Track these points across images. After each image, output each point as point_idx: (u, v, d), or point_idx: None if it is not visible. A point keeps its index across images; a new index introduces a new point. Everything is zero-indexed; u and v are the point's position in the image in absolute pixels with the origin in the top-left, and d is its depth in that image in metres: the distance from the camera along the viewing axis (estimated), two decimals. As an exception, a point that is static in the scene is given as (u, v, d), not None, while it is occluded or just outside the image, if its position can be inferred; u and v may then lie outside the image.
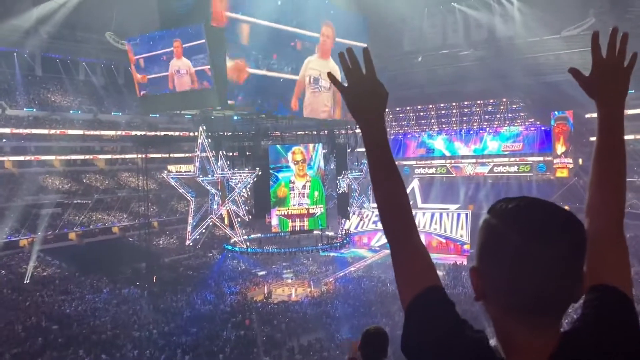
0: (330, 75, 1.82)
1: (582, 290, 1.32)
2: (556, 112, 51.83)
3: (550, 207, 1.30)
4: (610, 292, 1.42)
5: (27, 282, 37.32)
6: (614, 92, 1.75)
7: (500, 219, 1.31)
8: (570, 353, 1.29)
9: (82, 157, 50.32)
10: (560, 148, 52.49)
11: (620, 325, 1.36)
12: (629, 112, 44.52)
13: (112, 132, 51.29)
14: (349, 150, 42.29)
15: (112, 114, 52.15)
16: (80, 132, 48.54)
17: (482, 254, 1.35)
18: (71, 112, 49.39)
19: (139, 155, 42.54)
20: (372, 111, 1.66)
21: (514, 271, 1.26)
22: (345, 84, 1.69)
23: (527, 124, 55.46)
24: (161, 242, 48.29)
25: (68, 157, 48.61)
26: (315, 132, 41.32)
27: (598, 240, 1.50)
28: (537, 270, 1.24)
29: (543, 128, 53.91)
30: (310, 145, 39.95)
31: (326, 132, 40.89)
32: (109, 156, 52.45)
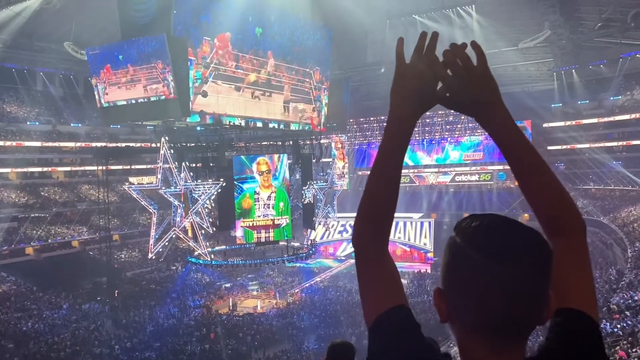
0: (400, 40, 1.54)
1: (549, 312, 1.28)
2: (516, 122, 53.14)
3: (515, 226, 1.25)
4: (575, 317, 1.38)
5: (-19, 299, 35.98)
6: (490, 97, 1.52)
7: (464, 238, 1.27)
8: None
9: (39, 169, 48.97)
10: (519, 157, 53.80)
11: (586, 351, 1.34)
12: (583, 121, 46.22)
13: (71, 144, 50.12)
14: (314, 161, 42.41)
15: (72, 125, 50.99)
16: (38, 143, 47.27)
17: (447, 274, 1.31)
18: (28, 123, 48.07)
19: (100, 167, 41.67)
20: (416, 99, 1.50)
21: (478, 292, 1.22)
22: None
23: (486, 133, 56.61)
24: (123, 256, 47.28)
25: (25, 170, 47.26)
26: (280, 143, 41.28)
27: (560, 260, 1.40)
28: (501, 291, 1.20)
29: (503, 137, 55.18)
30: (275, 156, 39.88)
31: (291, 142, 40.91)
32: (68, 168, 51.23)
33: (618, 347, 18.38)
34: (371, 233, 1.49)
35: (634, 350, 17.52)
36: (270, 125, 38.39)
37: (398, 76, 1.52)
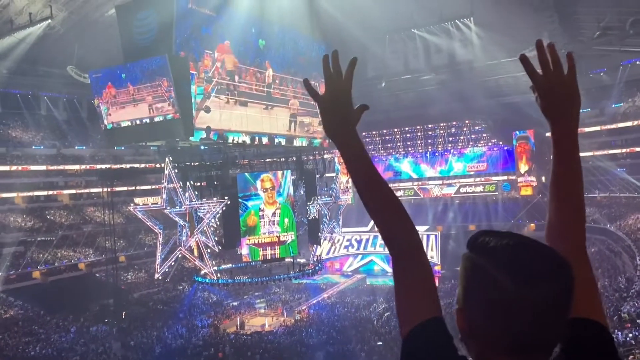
0: (306, 82, 1.76)
1: (569, 329, 1.29)
2: (517, 132, 53.23)
3: (539, 248, 1.26)
4: (588, 325, 1.41)
5: (-11, 325, 35.92)
6: (562, 109, 1.65)
7: (487, 259, 1.26)
8: None
9: (45, 193, 49.17)
10: (523, 167, 53.76)
11: (601, 357, 1.37)
12: (586, 129, 46.15)
13: (76, 167, 50.39)
14: (317, 176, 42.43)
15: (76, 148, 51.32)
16: (43, 167, 47.55)
17: (469, 295, 1.30)
18: (33, 147, 48.42)
19: (105, 189, 41.82)
20: (346, 123, 1.62)
21: (505, 315, 1.21)
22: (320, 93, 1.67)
23: (490, 144, 56.74)
24: (129, 277, 47.24)
25: (31, 194, 47.45)
26: (283, 159, 41.37)
27: None
28: (529, 315, 1.20)
29: (506, 148, 55.24)
30: (279, 172, 39.93)
31: (294, 158, 40.98)
32: (73, 191, 51.41)
33: (632, 356, 18.19)
34: (392, 236, 1.53)
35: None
36: (277, 141, 38.21)
37: (320, 113, 1.66)
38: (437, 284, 1.52)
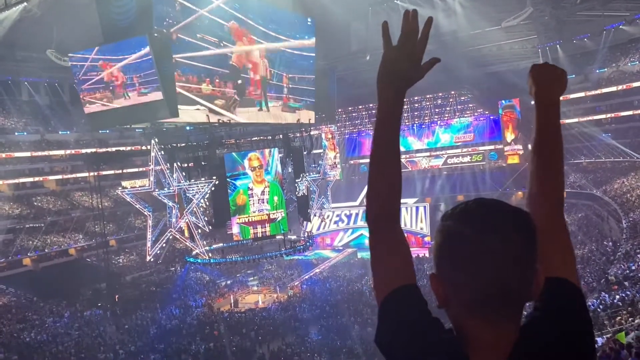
0: (384, 25, 1.68)
1: (537, 287, 1.37)
2: (503, 101, 53.32)
3: (500, 204, 1.37)
4: (561, 284, 1.48)
5: (-18, 313, 35.85)
6: (551, 94, 1.75)
7: (454, 221, 1.36)
8: (529, 344, 1.34)
9: (31, 179, 48.68)
10: (509, 136, 54.02)
11: (571, 314, 1.43)
12: (570, 96, 46.33)
13: (61, 152, 49.86)
14: (305, 153, 42.37)
15: (60, 133, 50.68)
16: (27, 154, 46.98)
17: (440, 257, 1.38)
18: (16, 134, 47.77)
19: (91, 174, 41.54)
20: (404, 79, 1.64)
21: (474, 268, 1.30)
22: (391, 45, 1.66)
23: (476, 114, 56.85)
24: (121, 260, 47.20)
25: (16, 181, 46.98)
26: (270, 137, 41.22)
27: (542, 230, 1.47)
28: (496, 264, 1.28)
29: (492, 117, 55.38)
30: (266, 151, 39.83)
31: (281, 136, 40.84)
32: (59, 176, 50.94)
33: (619, 317, 18.58)
34: (380, 208, 1.58)
35: (635, 320, 17.71)
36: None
37: (383, 61, 1.66)
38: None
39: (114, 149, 49.75)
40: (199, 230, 37.00)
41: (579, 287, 1.51)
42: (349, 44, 50.14)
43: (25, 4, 37.35)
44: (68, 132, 51.04)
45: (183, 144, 37.65)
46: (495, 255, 1.28)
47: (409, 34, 1.64)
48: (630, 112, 45.39)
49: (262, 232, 39.45)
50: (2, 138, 46.33)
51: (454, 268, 1.34)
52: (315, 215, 45.55)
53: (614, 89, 45.74)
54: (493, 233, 1.29)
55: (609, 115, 47.32)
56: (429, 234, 47.72)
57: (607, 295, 22.19)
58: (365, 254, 47.77)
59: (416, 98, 57.52)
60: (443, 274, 1.37)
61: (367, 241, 1.69)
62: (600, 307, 20.88)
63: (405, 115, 58.62)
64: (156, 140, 36.23)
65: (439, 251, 1.38)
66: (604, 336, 16.94)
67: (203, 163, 37.26)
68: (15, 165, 46.33)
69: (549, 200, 1.64)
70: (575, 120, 46.74)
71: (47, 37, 41.72)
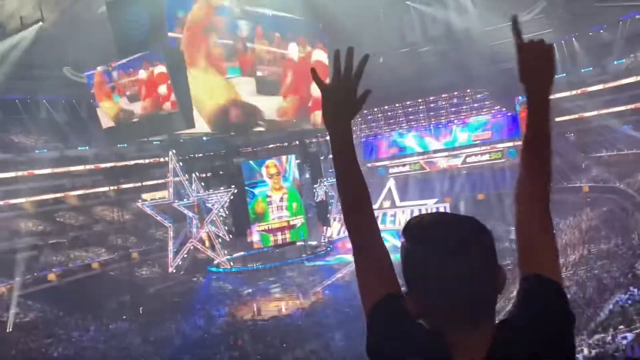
0: (313, 71, 1.83)
1: (503, 281, 1.43)
2: (520, 97, 52.70)
3: (449, 218, 1.44)
4: (538, 281, 1.51)
5: (10, 330, 36.30)
6: (539, 77, 1.75)
7: (411, 241, 1.44)
8: (506, 342, 1.39)
9: (53, 196, 49.30)
10: (528, 132, 53.39)
11: (549, 312, 1.46)
12: (589, 89, 45.69)
13: (81, 167, 50.45)
14: (322, 158, 42.36)
15: (79, 148, 51.30)
16: (48, 170, 47.62)
17: (406, 278, 1.46)
18: (36, 151, 48.45)
19: (111, 187, 41.94)
20: (345, 116, 1.74)
21: (436, 291, 1.37)
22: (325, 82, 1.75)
23: (493, 111, 56.31)
24: (144, 273, 47.50)
25: (39, 198, 47.61)
26: (286, 144, 41.31)
27: (527, 226, 1.60)
28: (455, 283, 1.34)
29: (509, 114, 54.77)
30: (283, 157, 39.92)
31: (297, 142, 40.88)
32: (80, 192, 51.50)
33: (649, 312, 18.18)
34: (354, 222, 1.71)
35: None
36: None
37: (323, 102, 1.77)
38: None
39: (132, 163, 50.20)
40: (220, 240, 37.15)
41: (559, 284, 1.53)
42: (362, 47, 49.98)
43: (41, 23, 37.99)
44: (87, 148, 51.64)
45: (200, 155, 37.95)
46: (454, 274, 1.34)
47: (346, 71, 1.75)
48: (650, 103, 44.55)
49: (282, 239, 39.50)
50: (23, 156, 47.02)
51: (418, 290, 1.42)
52: (334, 220, 45.46)
53: (633, 79, 44.97)
54: (447, 253, 1.34)
55: (629, 107, 46.47)
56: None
57: (635, 290, 21.73)
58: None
59: (431, 98, 57.16)
60: (413, 293, 1.44)
61: (387, 244, 1.76)
62: (629, 302, 20.45)
63: (421, 116, 58.35)
64: (174, 151, 36.54)
65: (404, 272, 1.47)
66: (634, 332, 16.59)
67: (221, 172, 37.52)
68: (37, 182, 46.96)
69: (536, 195, 1.66)
70: (595, 113, 46.01)
71: (63, 55, 42.35)
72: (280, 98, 36.59)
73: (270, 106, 36.01)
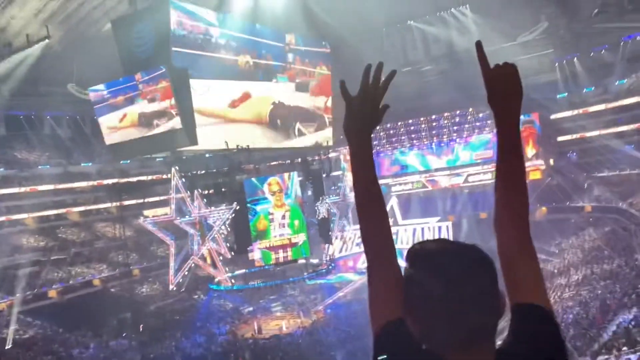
0: (342, 83, 1.88)
1: (503, 304, 1.49)
2: (522, 116, 52.80)
3: (451, 248, 1.48)
4: (530, 310, 1.54)
5: (10, 347, 36.07)
6: (504, 101, 1.81)
7: (415, 268, 1.49)
8: None
9: (55, 211, 49.32)
10: (530, 151, 53.37)
11: (542, 340, 1.49)
12: (590, 109, 45.82)
13: (83, 184, 50.53)
14: (324, 175, 42.40)
15: (82, 165, 51.44)
16: (51, 186, 47.70)
17: (408, 302, 1.51)
18: (40, 167, 48.59)
19: (114, 204, 41.95)
20: (367, 128, 1.80)
21: (439, 319, 1.41)
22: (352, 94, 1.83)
23: (494, 131, 56.36)
24: (144, 290, 47.29)
25: (41, 214, 47.63)
26: (288, 161, 41.40)
27: (510, 256, 1.63)
28: (459, 311, 1.39)
29: (511, 133, 54.82)
30: (286, 175, 39.97)
31: (300, 159, 40.98)
32: (82, 208, 51.52)
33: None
34: (375, 247, 1.75)
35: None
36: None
37: (347, 113, 1.85)
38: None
39: (135, 179, 50.28)
40: (221, 257, 37.05)
41: (551, 311, 1.57)
42: (364, 65, 50.42)
43: (47, 40, 38.40)
44: (90, 164, 51.79)
45: (203, 171, 38.01)
46: (456, 301, 1.38)
47: (374, 84, 1.82)
48: (653, 123, 44.60)
49: (284, 256, 39.38)
50: (26, 172, 47.16)
51: (420, 314, 1.46)
52: (336, 238, 45.32)
53: (635, 100, 45.09)
54: (451, 281, 1.40)
55: (631, 127, 46.53)
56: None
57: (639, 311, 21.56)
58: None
59: (433, 117, 57.36)
60: (415, 320, 1.48)
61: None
62: (633, 323, 20.29)
63: (423, 134, 58.49)
64: (176, 168, 36.65)
65: (405, 296, 1.52)
66: (637, 353, 16.42)
67: (223, 189, 37.55)
68: (39, 198, 47.02)
69: (515, 226, 1.68)
70: (597, 132, 46.07)
71: (68, 72, 42.73)
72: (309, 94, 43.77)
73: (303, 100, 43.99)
